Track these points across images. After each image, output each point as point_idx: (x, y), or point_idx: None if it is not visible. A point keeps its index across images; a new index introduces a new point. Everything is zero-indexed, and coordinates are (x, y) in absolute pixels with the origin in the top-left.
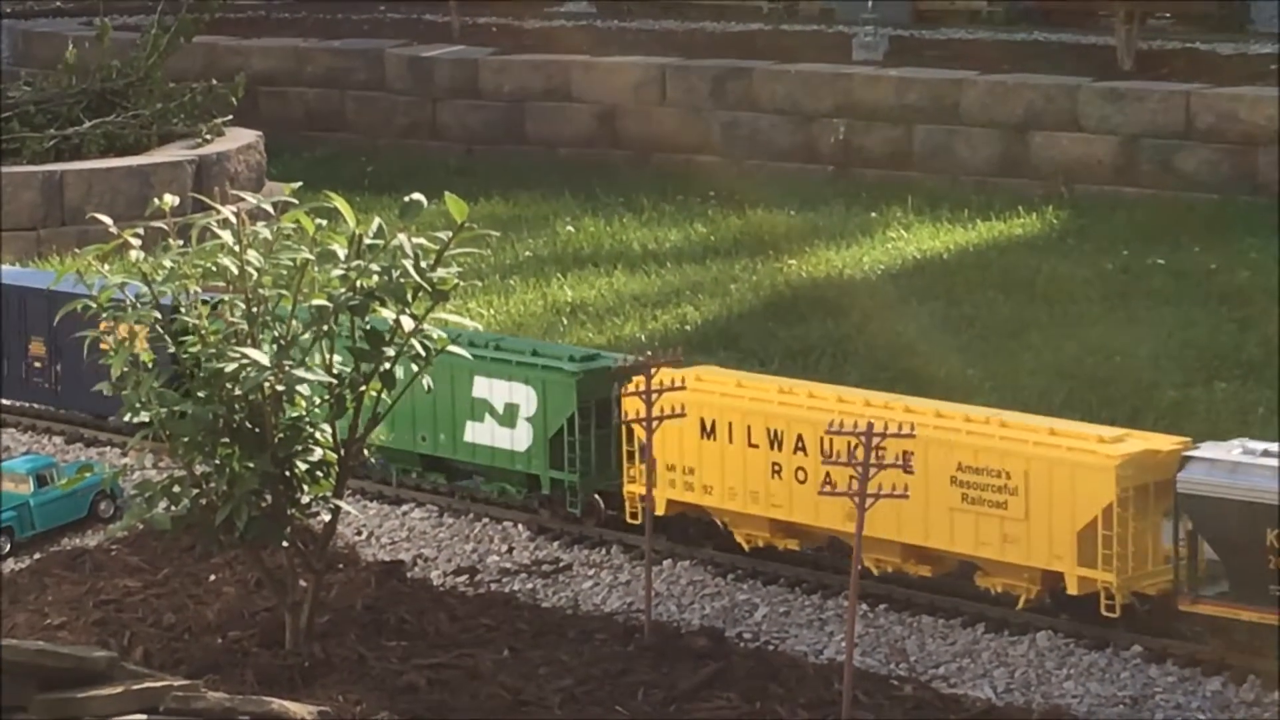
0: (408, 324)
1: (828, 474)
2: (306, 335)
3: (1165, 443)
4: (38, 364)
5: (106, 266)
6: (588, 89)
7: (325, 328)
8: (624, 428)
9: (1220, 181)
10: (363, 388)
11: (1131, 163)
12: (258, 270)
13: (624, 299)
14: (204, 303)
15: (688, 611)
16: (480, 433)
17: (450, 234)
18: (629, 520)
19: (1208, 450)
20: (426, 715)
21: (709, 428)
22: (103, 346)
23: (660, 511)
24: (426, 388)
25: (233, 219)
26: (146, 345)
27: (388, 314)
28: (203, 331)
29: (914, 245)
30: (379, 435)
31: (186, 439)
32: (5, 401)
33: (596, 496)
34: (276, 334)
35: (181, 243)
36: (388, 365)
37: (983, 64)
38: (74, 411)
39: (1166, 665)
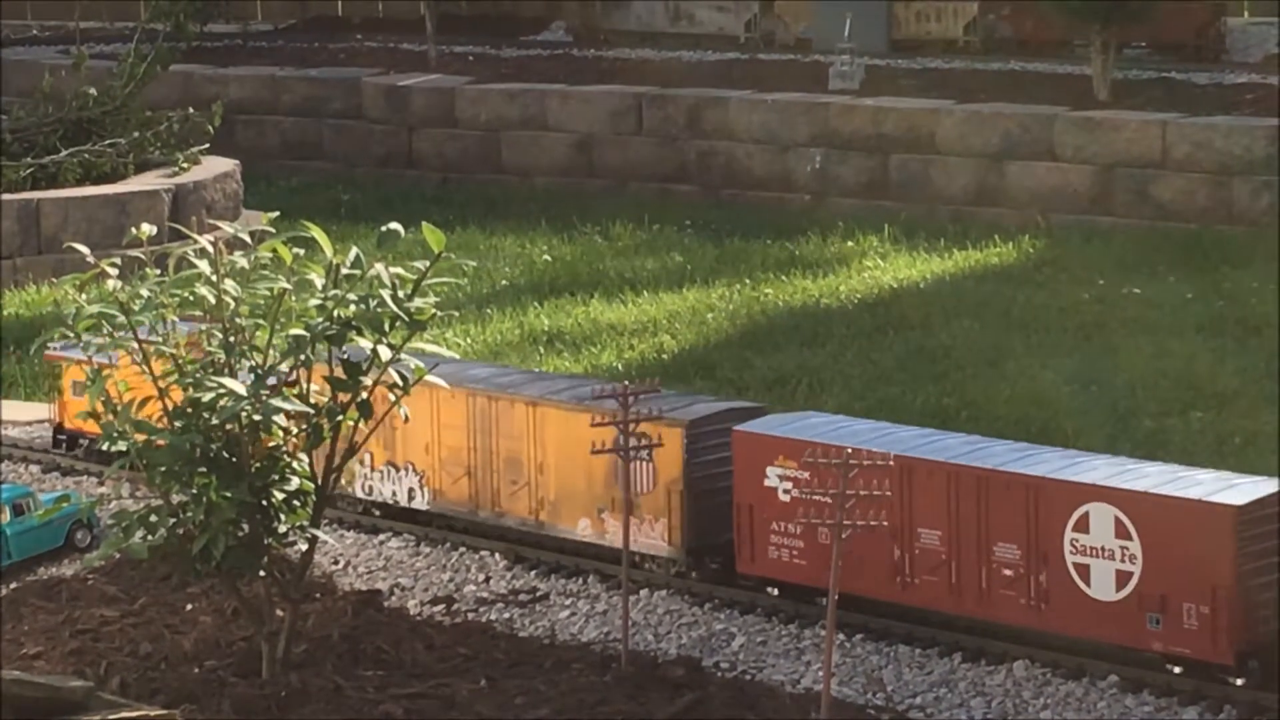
0: (385, 353)
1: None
2: (284, 365)
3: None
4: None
5: (83, 296)
6: (564, 118)
7: (302, 357)
8: None
9: (1196, 211)
10: (340, 417)
11: (1107, 192)
12: (235, 300)
13: (600, 328)
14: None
15: (665, 641)
16: None
17: (427, 263)
18: None
19: None
20: None
21: None
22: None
23: None
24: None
25: (210, 248)
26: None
27: (365, 344)
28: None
29: (890, 274)
30: None
31: (163, 468)
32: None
33: None
34: (253, 363)
35: (159, 272)
36: (365, 395)
37: (959, 93)
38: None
39: (1143, 695)
